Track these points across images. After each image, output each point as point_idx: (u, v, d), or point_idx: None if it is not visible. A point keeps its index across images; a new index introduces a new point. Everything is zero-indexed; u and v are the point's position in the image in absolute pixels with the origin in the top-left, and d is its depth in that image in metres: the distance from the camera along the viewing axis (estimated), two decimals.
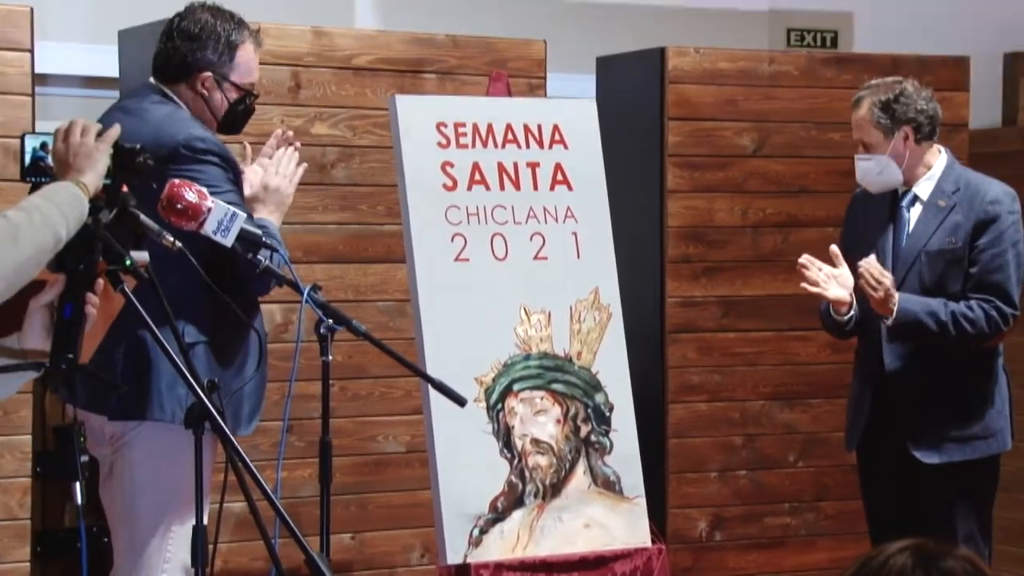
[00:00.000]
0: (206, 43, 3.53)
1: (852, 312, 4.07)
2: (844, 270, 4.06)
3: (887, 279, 3.98)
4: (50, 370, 2.41)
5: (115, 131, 2.57)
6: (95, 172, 2.51)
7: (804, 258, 4.07)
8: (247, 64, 3.59)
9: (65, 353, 2.40)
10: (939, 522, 4.02)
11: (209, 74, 3.53)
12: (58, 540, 4.65)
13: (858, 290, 4.04)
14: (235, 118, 3.62)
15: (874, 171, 4.09)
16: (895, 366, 4.08)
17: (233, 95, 3.57)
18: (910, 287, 4.05)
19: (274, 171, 3.66)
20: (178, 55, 3.54)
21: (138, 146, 2.60)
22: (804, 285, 4.05)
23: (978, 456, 4.06)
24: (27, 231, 2.32)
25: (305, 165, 3.84)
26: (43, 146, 2.56)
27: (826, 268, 4.06)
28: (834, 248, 4.08)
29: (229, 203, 3.32)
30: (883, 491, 4.18)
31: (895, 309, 3.97)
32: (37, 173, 2.54)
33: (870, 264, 3.99)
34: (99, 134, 2.55)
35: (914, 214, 4.12)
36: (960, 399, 4.06)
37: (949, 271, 4.04)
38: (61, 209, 2.39)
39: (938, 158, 4.14)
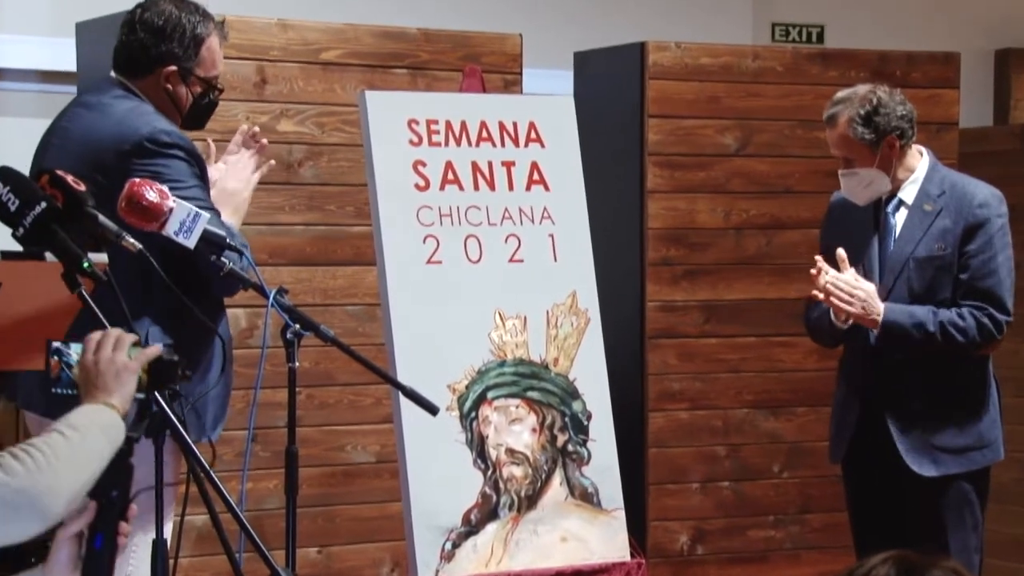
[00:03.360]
0: (171, 36, 3.52)
1: (851, 319, 4.07)
2: (850, 275, 4.05)
3: (861, 291, 3.98)
4: None
5: (153, 351, 2.52)
6: (122, 395, 2.44)
7: (819, 262, 4.04)
8: (212, 58, 3.59)
9: None
10: (930, 536, 4.03)
11: (174, 68, 3.53)
12: (7, 555, 4.62)
13: (827, 304, 4.05)
14: (199, 113, 3.62)
15: (861, 185, 4.09)
16: (883, 376, 4.08)
17: (198, 89, 3.57)
18: (899, 295, 4.06)
19: (230, 174, 3.67)
20: (141, 49, 3.53)
21: (176, 358, 2.56)
22: (815, 292, 4.04)
23: (974, 468, 4.07)
24: (83, 450, 2.28)
25: (273, 163, 3.84)
26: (59, 352, 2.50)
27: (832, 273, 4.05)
28: (841, 252, 4.06)
29: (194, 199, 3.32)
30: (870, 504, 4.19)
31: (880, 321, 3.98)
32: (68, 385, 2.49)
33: (837, 278, 3.99)
34: (134, 344, 2.49)
35: (900, 219, 4.12)
36: (953, 409, 4.07)
37: (938, 278, 4.05)
38: (107, 434, 2.36)
39: (920, 160, 4.15)
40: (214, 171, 3.68)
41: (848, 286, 3.98)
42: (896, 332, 3.98)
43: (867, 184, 4.08)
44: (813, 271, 4.04)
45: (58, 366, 2.52)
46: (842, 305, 3.98)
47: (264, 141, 3.79)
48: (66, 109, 3.64)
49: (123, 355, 2.46)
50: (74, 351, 2.52)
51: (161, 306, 3.36)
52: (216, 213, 3.45)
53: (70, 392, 2.50)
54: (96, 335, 2.48)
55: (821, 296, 4.02)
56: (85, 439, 2.28)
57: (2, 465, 2.13)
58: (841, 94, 4.12)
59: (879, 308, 3.98)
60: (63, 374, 2.52)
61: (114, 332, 2.49)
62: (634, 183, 5.21)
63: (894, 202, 4.13)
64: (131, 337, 2.50)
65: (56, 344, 2.53)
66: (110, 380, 2.43)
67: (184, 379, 2.57)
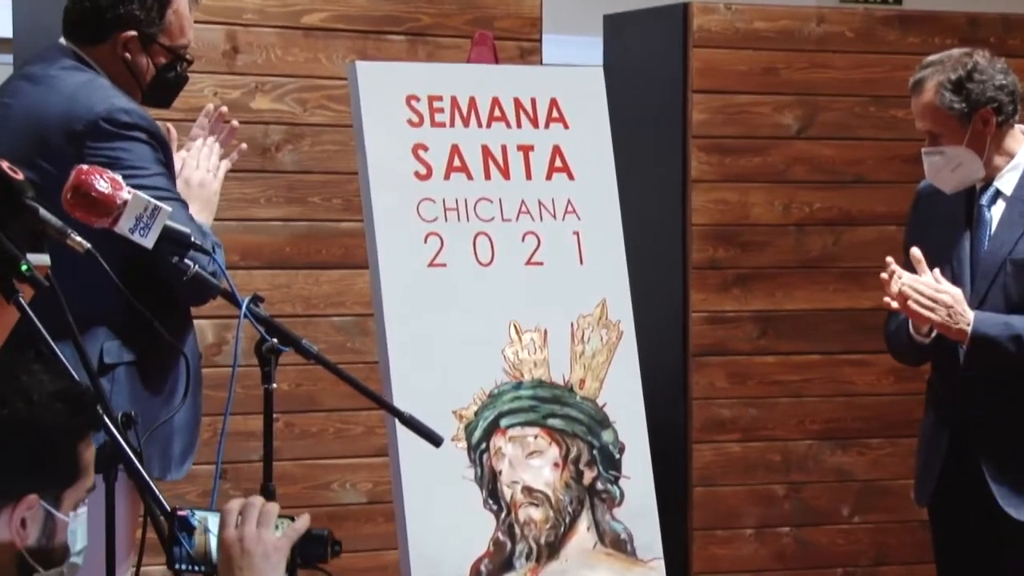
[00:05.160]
0: None
1: (936, 331, 4.05)
2: (927, 278, 4.03)
3: (946, 295, 3.96)
4: None
5: (303, 524, 2.56)
6: None
7: (891, 265, 4.02)
8: (180, 23, 3.61)
9: None
10: None
11: (133, 34, 3.54)
12: None
13: (904, 312, 4.03)
14: (164, 88, 3.63)
15: (947, 167, 4.07)
16: (977, 400, 4.06)
17: (162, 59, 3.59)
18: (993, 303, 4.03)
19: (194, 163, 3.68)
20: (95, 11, 3.54)
21: (326, 532, 2.61)
22: (887, 300, 4.02)
23: None
24: None
25: (244, 147, 3.84)
26: (184, 523, 2.54)
27: (907, 276, 4.03)
28: (916, 252, 4.05)
29: (159, 189, 3.33)
30: (962, 554, 4.17)
31: (968, 332, 3.96)
32: (189, 560, 2.54)
33: (915, 280, 3.97)
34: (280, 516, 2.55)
35: (996, 213, 4.10)
36: None
37: None
38: None
39: (1022, 142, 4.13)
40: (175, 159, 3.69)
41: (930, 289, 3.96)
42: (988, 346, 3.96)
43: (955, 166, 4.07)
44: (884, 274, 4.03)
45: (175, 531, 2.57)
46: (923, 312, 3.96)
47: (235, 123, 3.80)
48: (7, 83, 3.65)
49: (270, 532, 2.50)
50: (199, 520, 2.56)
51: (119, 317, 3.37)
52: (184, 205, 3.46)
53: (194, 568, 2.54)
54: (235, 505, 2.52)
55: (895, 304, 4.01)
56: None
57: None
58: (933, 57, 4.10)
59: (968, 317, 3.96)
60: (183, 543, 2.55)
61: (257, 502, 2.53)
62: (675, 171, 5.21)
63: (990, 192, 4.11)
64: (275, 507, 2.54)
65: (181, 512, 2.56)
66: (258, 562, 2.47)
67: (335, 555, 2.63)
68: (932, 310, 3.95)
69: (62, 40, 3.60)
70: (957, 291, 3.99)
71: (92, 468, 2.36)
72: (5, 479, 2.20)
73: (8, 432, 2.18)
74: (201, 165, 3.69)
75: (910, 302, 3.97)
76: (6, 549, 2.20)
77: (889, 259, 4.04)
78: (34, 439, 2.20)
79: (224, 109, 3.80)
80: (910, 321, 4.05)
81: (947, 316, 3.95)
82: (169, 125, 3.85)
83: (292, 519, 2.55)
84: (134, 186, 3.18)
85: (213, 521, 2.54)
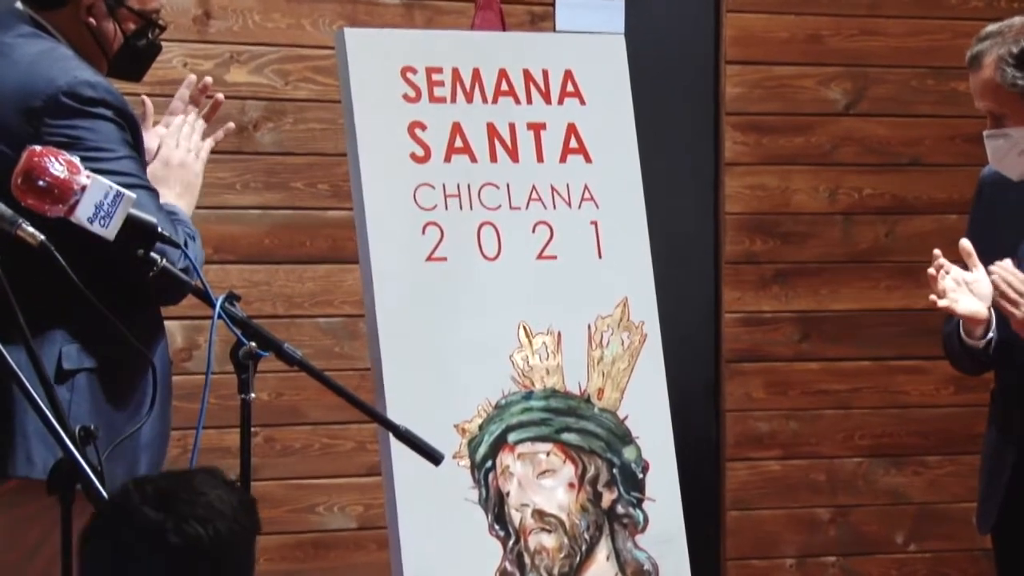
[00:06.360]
0: None
1: (991, 334, 4.06)
2: (980, 274, 4.04)
3: None
4: None
5: None
6: None
7: (939, 258, 4.02)
8: None
9: None
10: None
11: None
12: None
13: (998, 305, 4.03)
14: (134, 58, 3.64)
15: (1013, 151, 4.08)
16: None
17: (131, 26, 3.60)
18: None
19: (174, 142, 3.68)
20: None
21: None
22: (932, 297, 4.03)
23: None
24: None
25: (231, 126, 3.85)
26: None
27: (956, 271, 4.04)
28: (966, 244, 4.06)
29: (125, 174, 3.33)
30: None
31: None
32: None
33: (1005, 269, 3.98)
34: None
35: None
36: None
37: None
38: None
39: None
40: (151, 138, 3.70)
41: (1019, 279, 3.96)
42: None
43: (1021, 150, 4.08)
44: (931, 269, 4.03)
45: None
46: (1006, 305, 3.96)
47: (220, 96, 3.80)
48: None
49: None
50: None
51: (81, 319, 3.38)
52: (153, 193, 3.46)
53: None
54: None
55: (940, 303, 4.01)
56: None
57: None
58: (991, 27, 4.11)
59: None
60: None
61: None
62: (707, 153, 5.21)
63: None
64: None
65: None
66: None
67: None
68: (1017, 305, 3.95)
69: (18, 4, 3.61)
70: None
71: None
72: None
73: (216, 552, 2.37)
74: (182, 144, 3.70)
75: (996, 292, 3.96)
76: None
77: (936, 251, 4.04)
78: (236, 554, 2.41)
79: (208, 80, 3.81)
80: (961, 323, 4.06)
81: None
82: (145, 98, 3.85)
83: None
84: (97, 170, 3.19)
85: None
